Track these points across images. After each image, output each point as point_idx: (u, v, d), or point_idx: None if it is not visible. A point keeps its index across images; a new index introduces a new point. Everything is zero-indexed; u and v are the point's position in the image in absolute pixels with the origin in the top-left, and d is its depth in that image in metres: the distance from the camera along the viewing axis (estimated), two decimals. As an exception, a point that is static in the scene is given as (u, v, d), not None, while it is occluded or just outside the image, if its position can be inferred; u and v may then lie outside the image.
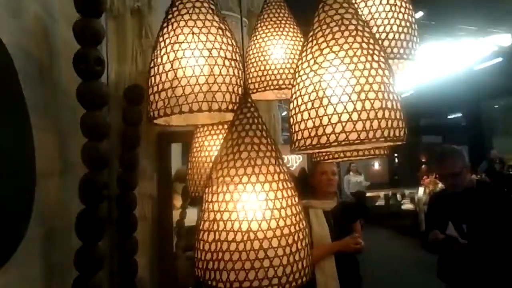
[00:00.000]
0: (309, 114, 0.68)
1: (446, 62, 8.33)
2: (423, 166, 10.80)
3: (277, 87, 1.09)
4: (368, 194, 9.67)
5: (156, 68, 0.84)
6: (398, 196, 10.04)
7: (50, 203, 1.09)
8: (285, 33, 1.12)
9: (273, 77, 1.09)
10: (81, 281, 1.07)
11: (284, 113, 5.06)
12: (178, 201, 2.00)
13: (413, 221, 7.98)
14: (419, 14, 5.82)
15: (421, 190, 8.09)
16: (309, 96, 0.68)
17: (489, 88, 10.77)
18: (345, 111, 0.65)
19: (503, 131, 12.03)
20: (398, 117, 0.68)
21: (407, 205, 9.06)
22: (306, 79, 0.69)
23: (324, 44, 0.69)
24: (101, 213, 1.11)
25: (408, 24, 0.93)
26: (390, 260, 6.12)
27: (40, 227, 1.01)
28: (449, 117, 14.83)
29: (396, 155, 14.22)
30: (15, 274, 0.89)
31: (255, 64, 1.12)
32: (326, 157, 1.04)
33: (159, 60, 0.83)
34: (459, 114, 14.35)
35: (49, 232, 1.07)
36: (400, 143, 0.70)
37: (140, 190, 1.65)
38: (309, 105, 0.68)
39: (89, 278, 1.08)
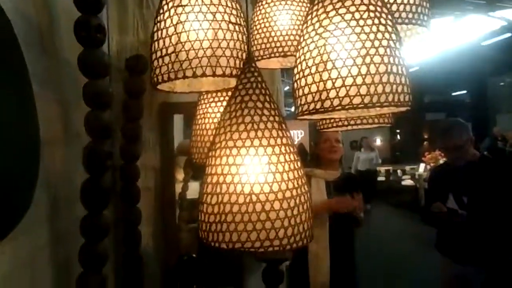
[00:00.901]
0: (313, 78, 0.67)
1: (453, 37, 8.18)
2: (425, 142, 10.79)
3: (282, 54, 1.07)
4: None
5: (159, 32, 0.82)
6: (399, 172, 10.09)
7: (55, 171, 1.10)
8: (291, -2, 1.09)
9: (278, 44, 1.07)
10: (87, 248, 1.10)
11: (287, 87, 5.01)
12: (180, 175, 2.01)
13: (413, 196, 8.07)
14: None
15: (422, 167, 8.14)
16: (314, 60, 0.67)
17: (496, 64, 10.60)
18: (349, 75, 0.64)
19: (507, 108, 11.92)
20: (403, 82, 0.67)
21: (407, 181, 9.12)
22: (311, 42, 0.68)
23: (330, 7, 0.67)
24: (105, 182, 1.12)
25: (417, -12, 0.91)
26: (389, 235, 6.22)
27: (46, 195, 1.02)
28: (453, 94, 14.70)
29: (398, 131, 14.21)
30: (24, 240, 0.91)
31: (260, 31, 1.09)
32: (330, 125, 1.04)
33: (162, 24, 0.82)
34: (464, 91, 14.21)
35: (55, 200, 1.09)
36: (404, 108, 0.69)
37: (143, 161, 1.66)
38: (313, 69, 0.67)
39: (95, 245, 1.10)
